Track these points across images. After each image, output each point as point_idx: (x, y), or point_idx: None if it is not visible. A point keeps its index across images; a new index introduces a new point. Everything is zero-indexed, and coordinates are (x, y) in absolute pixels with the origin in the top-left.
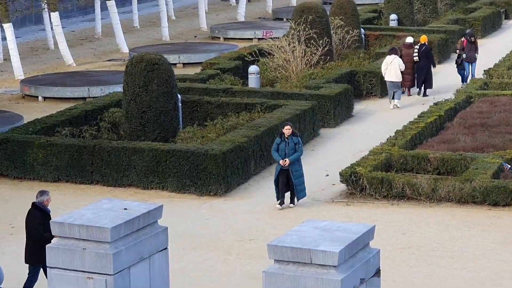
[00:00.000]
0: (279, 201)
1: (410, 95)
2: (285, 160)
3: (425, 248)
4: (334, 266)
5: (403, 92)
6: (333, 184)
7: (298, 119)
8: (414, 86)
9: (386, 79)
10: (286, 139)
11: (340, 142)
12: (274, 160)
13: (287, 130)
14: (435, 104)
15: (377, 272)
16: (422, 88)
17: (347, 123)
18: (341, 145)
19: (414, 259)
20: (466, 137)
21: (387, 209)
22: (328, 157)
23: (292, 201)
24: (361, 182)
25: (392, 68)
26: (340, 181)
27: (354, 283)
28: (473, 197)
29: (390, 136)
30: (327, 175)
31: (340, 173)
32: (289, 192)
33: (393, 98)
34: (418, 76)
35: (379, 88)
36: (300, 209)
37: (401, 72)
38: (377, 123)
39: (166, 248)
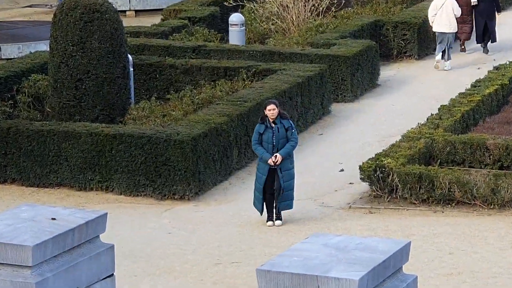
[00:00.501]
0: (268, 217)
1: (465, 51)
2: (276, 156)
3: (482, 274)
4: None
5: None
6: (351, 183)
7: (301, 90)
8: (469, 39)
9: (434, 29)
10: (272, 125)
11: (360, 123)
12: (256, 156)
13: (271, 111)
14: (496, 68)
15: None
16: (483, 42)
17: (370, 96)
18: (361, 127)
19: None
20: None
21: (427, 219)
22: (343, 144)
23: (279, 217)
24: (390, 180)
25: (443, 14)
26: (361, 178)
27: None
28: None
29: (432, 115)
30: (342, 170)
31: (360, 167)
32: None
33: (442, 57)
34: (477, 25)
35: (416, 45)
36: (303, 218)
37: (456, 19)
38: (413, 96)
39: (113, 274)
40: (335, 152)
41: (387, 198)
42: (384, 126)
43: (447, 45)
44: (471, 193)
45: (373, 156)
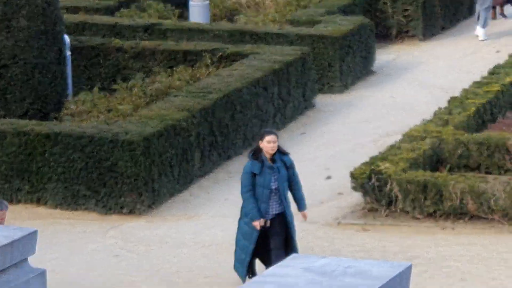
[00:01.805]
0: (247, 276)
1: (495, 17)
2: (266, 222)
3: None
4: None
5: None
6: (340, 193)
7: (278, 79)
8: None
9: None
10: (271, 162)
11: (351, 119)
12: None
13: (271, 144)
14: None
15: None
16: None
17: (363, 86)
18: (353, 125)
19: None
20: None
21: (434, 237)
22: (331, 145)
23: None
24: (388, 190)
25: None
26: (352, 188)
27: None
28: None
29: (440, 109)
30: (329, 177)
31: (351, 173)
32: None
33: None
34: None
35: (420, 23)
36: None
37: None
38: (417, 86)
39: None
40: (320, 155)
41: (384, 212)
42: (381, 123)
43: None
44: (488, 205)
45: (368, 160)
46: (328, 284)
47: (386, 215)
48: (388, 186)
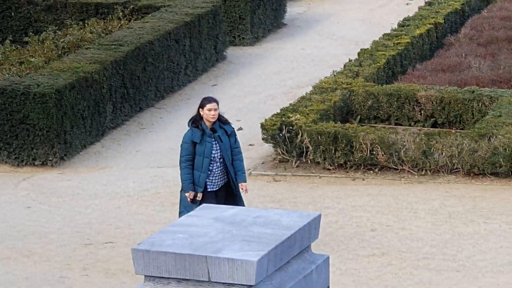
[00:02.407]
0: None
1: None
2: (198, 195)
3: (411, 255)
4: (249, 287)
5: None
6: (251, 145)
7: (189, 31)
8: None
9: None
10: (212, 131)
11: (262, 71)
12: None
13: (212, 112)
14: (428, 3)
15: None
16: None
17: (274, 38)
18: (263, 77)
19: (391, 273)
20: (482, 60)
21: (344, 188)
22: (242, 97)
23: None
24: (299, 141)
25: None
26: (263, 139)
27: None
28: (494, 166)
29: (350, 61)
30: (240, 128)
31: (262, 125)
32: None
33: None
34: None
35: None
36: None
37: None
38: (328, 38)
39: None
40: (231, 107)
41: (295, 163)
42: (292, 75)
43: None
44: (398, 156)
45: (278, 111)
46: (238, 233)
47: (297, 166)
48: (299, 137)
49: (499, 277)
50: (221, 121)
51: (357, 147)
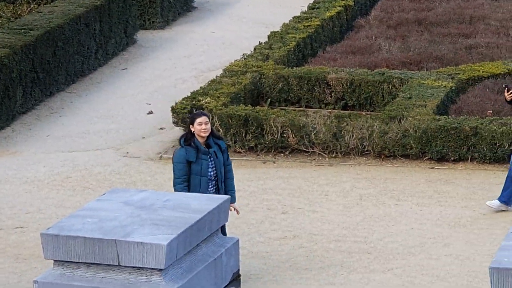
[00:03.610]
0: None
1: None
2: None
3: (322, 237)
4: (159, 270)
5: None
6: (161, 128)
7: (99, 15)
8: None
9: None
10: (206, 147)
11: (172, 55)
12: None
13: (203, 126)
14: None
15: (235, 279)
16: None
17: (184, 21)
18: (174, 60)
19: (302, 256)
20: (392, 42)
21: (255, 170)
22: (152, 81)
23: None
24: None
25: None
26: (173, 122)
27: None
28: (404, 147)
29: (261, 44)
30: (151, 112)
31: (172, 108)
32: None
33: None
34: None
35: None
36: (104, 172)
37: None
38: (238, 21)
39: None
40: (142, 90)
41: None
42: (202, 58)
43: None
44: (308, 139)
45: (189, 94)
46: (148, 217)
47: None
48: (210, 120)
49: (409, 258)
50: (214, 136)
51: (268, 130)
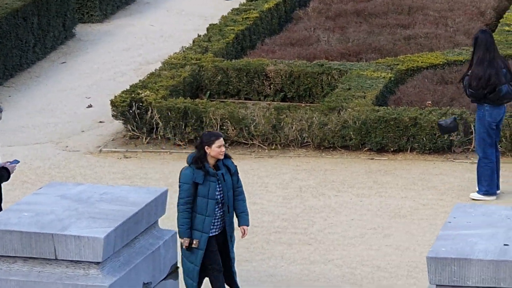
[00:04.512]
0: None
1: None
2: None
3: (262, 229)
4: (97, 264)
5: None
6: (101, 122)
7: (37, 9)
8: None
9: None
10: (216, 169)
11: (111, 48)
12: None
13: (221, 148)
14: None
15: (173, 271)
16: None
17: (123, 15)
18: (113, 54)
19: (243, 248)
20: (331, 34)
21: None
22: (91, 74)
23: None
24: (149, 118)
25: None
26: (113, 116)
27: None
28: (344, 139)
29: (199, 36)
30: (90, 105)
31: (112, 102)
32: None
33: None
34: None
35: None
36: (43, 166)
37: None
38: (178, 14)
39: None
40: (81, 84)
41: (145, 140)
42: (141, 51)
43: None
44: (248, 131)
45: (128, 88)
46: (85, 210)
47: (147, 143)
48: (149, 113)
49: (350, 249)
50: (225, 156)
51: (207, 122)
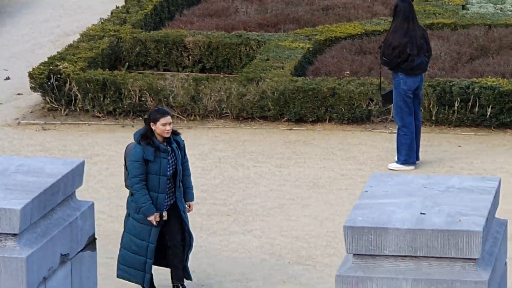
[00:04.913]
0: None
1: None
2: (163, 215)
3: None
4: (14, 235)
5: None
6: (19, 94)
7: None
8: None
9: None
10: (167, 145)
11: (29, 20)
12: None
13: (166, 127)
14: None
15: (91, 242)
16: None
17: None
18: (30, 25)
19: None
20: (249, 5)
21: (114, 135)
22: (9, 46)
23: (181, 280)
24: (67, 90)
25: None
26: (31, 88)
27: (49, 262)
28: (263, 109)
29: (117, 8)
30: (8, 78)
31: (30, 74)
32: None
33: None
34: None
35: None
36: None
37: None
38: None
39: None
40: None
41: (64, 112)
42: (60, 23)
43: None
44: (166, 102)
45: (46, 60)
46: (1, 182)
47: (66, 115)
48: (67, 85)
49: (269, 220)
50: (173, 132)
51: (126, 94)
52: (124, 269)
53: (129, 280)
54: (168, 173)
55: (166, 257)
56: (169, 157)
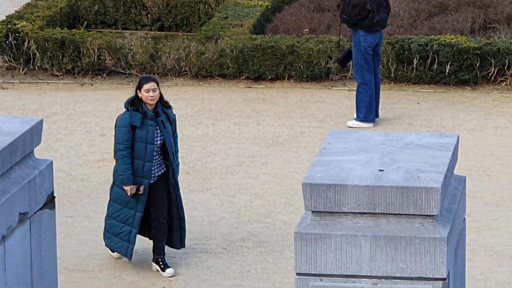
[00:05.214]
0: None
1: None
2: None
3: None
4: None
5: None
6: None
7: None
8: None
9: None
10: (154, 113)
11: None
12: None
13: (150, 93)
14: None
15: (50, 201)
16: None
17: None
18: None
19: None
20: None
21: (73, 94)
22: None
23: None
24: (26, 48)
25: None
26: None
27: (8, 221)
28: (221, 67)
29: None
30: None
31: None
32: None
33: None
34: None
35: None
36: None
37: None
38: None
39: None
40: None
41: (23, 70)
42: None
43: None
44: (125, 60)
45: (4, 19)
46: None
47: (25, 73)
48: (26, 44)
49: (228, 178)
50: (163, 104)
51: (85, 52)
52: (111, 238)
53: (115, 250)
54: (156, 142)
55: (150, 231)
56: (157, 127)
